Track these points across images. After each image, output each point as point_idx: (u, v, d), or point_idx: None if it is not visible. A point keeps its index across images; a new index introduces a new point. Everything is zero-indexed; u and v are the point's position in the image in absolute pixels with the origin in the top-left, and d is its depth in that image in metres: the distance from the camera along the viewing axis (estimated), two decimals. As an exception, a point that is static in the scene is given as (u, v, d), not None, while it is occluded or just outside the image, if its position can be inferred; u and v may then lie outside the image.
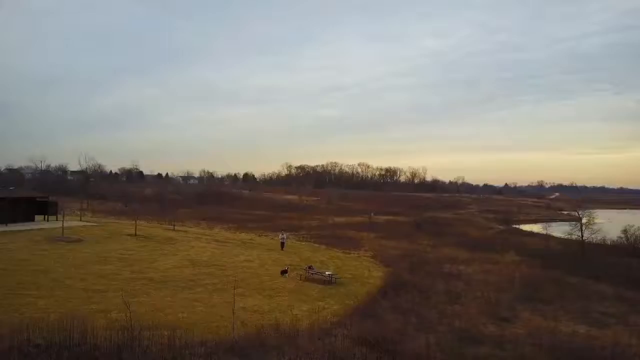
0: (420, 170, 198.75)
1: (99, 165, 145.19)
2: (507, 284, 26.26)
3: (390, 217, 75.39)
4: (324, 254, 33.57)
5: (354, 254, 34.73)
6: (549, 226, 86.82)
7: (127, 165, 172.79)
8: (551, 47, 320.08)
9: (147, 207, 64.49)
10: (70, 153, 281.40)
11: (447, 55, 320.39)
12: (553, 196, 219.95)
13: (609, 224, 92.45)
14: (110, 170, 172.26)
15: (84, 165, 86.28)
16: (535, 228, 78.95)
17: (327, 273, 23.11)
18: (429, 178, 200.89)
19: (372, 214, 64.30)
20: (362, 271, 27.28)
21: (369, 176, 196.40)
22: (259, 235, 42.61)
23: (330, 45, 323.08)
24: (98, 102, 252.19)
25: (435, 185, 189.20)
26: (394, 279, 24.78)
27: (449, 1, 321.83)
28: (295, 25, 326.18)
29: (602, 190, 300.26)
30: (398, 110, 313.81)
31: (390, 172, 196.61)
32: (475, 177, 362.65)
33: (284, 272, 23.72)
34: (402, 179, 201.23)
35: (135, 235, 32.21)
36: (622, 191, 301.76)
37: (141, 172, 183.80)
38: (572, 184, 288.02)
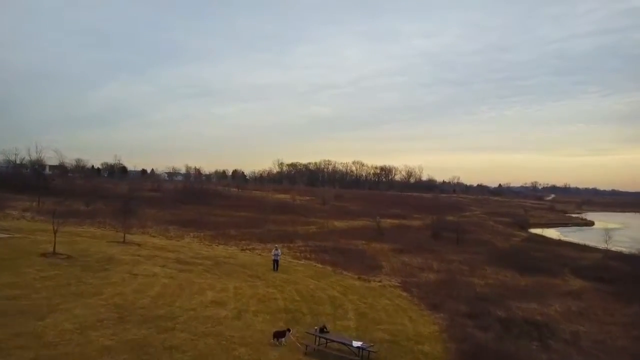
0: (417, 170, 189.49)
1: (80, 160, 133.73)
2: (633, 345, 16.14)
3: (396, 221, 65.09)
4: (333, 282, 23.09)
5: (374, 281, 24.30)
6: (569, 231, 77.79)
7: (112, 160, 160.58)
8: (541, 48, 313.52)
9: (114, 206, 53.34)
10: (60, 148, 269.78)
11: (439, 55, 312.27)
12: (550, 197, 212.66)
13: (628, 229, 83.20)
14: (92, 165, 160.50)
15: (35, 156, 74.21)
16: (555, 234, 69.57)
17: (355, 345, 12.56)
18: (424, 177, 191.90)
19: (378, 219, 53.95)
20: (402, 323, 16.81)
21: (364, 175, 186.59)
22: (242, 249, 31.91)
23: (322, 42, 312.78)
24: (89, 99, 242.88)
25: (432, 185, 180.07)
26: (463, 344, 14.42)
27: (440, 1, 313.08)
28: (287, 22, 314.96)
29: (595, 192, 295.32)
30: (391, 109, 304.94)
31: (386, 171, 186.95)
32: (468, 177, 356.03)
33: (279, 335, 13.11)
34: (397, 177, 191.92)
35: (54, 254, 21.37)
36: (614, 193, 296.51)
37: (124, 167, 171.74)
38: (566, 185, 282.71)
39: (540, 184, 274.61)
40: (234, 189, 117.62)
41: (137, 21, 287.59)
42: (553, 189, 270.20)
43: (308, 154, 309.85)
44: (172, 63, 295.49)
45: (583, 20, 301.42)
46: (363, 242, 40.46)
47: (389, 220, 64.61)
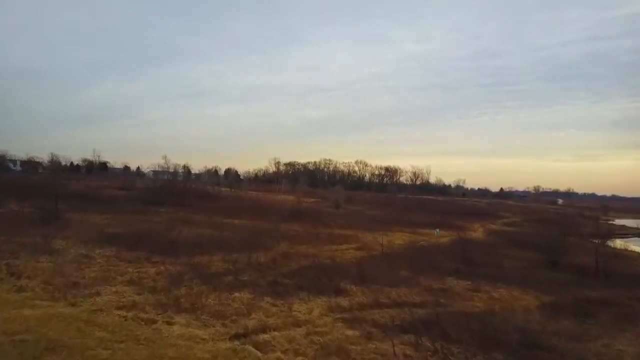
0: (424, 171, 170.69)
1: (54, 155, 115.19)
2: None
3: (445, 233, 45.79)
4: None
5: None
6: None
7: (106, 158, 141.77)
8: (531, 54, 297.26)
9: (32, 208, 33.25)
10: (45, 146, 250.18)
11: (430, 59, 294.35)
12: (559, 202, 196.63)
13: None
14: (72, 162, 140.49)
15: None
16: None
17: None
18: (431, 179, 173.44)
19: (437, 231, 34.81)
20: None
21: (367, 175, 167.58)
22: (232, 337, 12.12)
23: (314, 45, 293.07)
24: (82, 97, 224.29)
25: (442, 188, 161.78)
26: None
27: (431, 5, 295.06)
28: (279, 24, 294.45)
29: (594, 197, 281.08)
30: (384, 112, 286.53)
31: (391, 172, 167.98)
32: (466, 180, 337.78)
33: None
34: (402, 179, 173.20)
35: None
36: (615, 198, 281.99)
37: (104, 164, 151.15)
38: (569, 190, 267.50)
39: (542, 188, 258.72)
40: (226, 189, 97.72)
41: (133, 21, 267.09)
42: (556, 193, 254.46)
43: (304, 156, 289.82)
44: (165, 63, 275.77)
45: (572, 28, 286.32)
46: (452, 280, 21.07)
47: (426, 231, 45.54)
